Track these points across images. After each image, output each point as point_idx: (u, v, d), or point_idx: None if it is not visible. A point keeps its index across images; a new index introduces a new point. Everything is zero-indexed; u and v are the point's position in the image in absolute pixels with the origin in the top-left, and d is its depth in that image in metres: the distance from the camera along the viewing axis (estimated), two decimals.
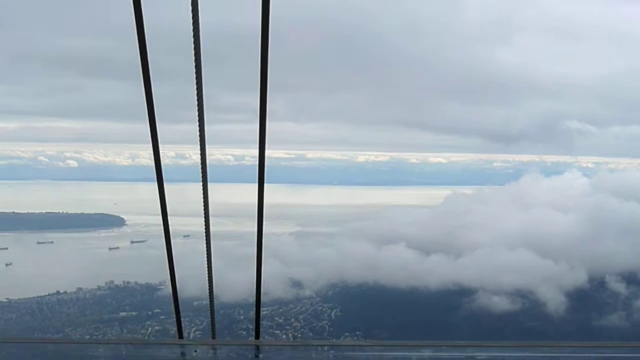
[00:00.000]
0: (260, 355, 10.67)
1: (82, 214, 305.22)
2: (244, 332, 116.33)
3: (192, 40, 5.04)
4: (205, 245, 6.78)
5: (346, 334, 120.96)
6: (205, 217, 6.37)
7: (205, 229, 6.53)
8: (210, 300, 8.34)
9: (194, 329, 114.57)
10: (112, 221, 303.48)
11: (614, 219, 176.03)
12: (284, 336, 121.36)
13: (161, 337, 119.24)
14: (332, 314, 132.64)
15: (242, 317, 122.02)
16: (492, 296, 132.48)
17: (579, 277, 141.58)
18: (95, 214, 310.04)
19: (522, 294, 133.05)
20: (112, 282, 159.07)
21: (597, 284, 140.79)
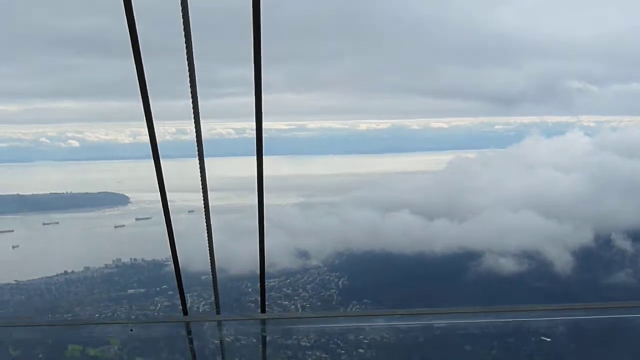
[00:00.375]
0: (267, 329, 10.70)
1: (87, 193, 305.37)
2: (252, 304, 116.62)
3: (181, 13, 5.03)
4: (204, 222, 6.80)
5: (354, 302, 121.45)
6: (203, 191, 6.39)
7: (205, 203, 6.55)
8: (212, 276, 8.37)
9: (202, 303, 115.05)
10: (116, 199, 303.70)
11: (617, 177, 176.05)
12: (293, 307, 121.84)
13: (170, 312, 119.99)
14: (340, 282, 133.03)
15: (250, 290, 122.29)
16: (498, 258, 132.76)
17: (584, 236, 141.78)
18: (99, 193, 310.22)
19: (528, 255, 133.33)
20: (119, 260, 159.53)
21: (603, 242, 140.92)
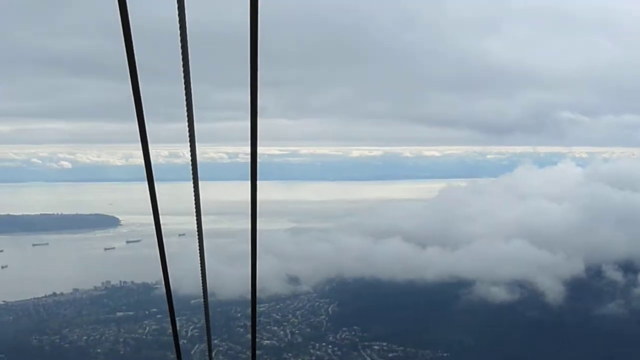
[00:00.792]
0: None
1: (77, 214, 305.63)
2: (241, 329, 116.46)
3: (179, 37, 4.99)
4: (197, 249, 6.70)
5: (344, 329, 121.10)
6: (197, 219, 6.31)
7: (198, 232, 6.46)
8: (207, 324, 8.20)
9: (191, 328, 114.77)
10: (107, 221, 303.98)
11: (609, 208, 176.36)
12: (282, 333, 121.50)
13: (158, 336, 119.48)
14: (330, 309, 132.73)
15: (239, 315, 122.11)
16: (490, 287, 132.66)
17: (575, 267, 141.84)
18: (90, 214, 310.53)
19: (520, 284, 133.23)
20: (108, 282, 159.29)
21: (594, 273, 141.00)
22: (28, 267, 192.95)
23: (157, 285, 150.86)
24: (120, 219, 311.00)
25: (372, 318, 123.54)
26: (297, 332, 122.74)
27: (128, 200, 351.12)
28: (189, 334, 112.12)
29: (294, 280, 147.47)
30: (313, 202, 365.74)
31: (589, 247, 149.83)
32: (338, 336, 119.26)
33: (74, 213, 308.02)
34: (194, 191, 6.03)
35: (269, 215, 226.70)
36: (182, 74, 5.10)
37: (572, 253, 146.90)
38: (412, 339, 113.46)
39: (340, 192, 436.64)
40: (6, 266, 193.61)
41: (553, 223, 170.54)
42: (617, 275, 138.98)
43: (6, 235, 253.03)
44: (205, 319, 7.58)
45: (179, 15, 4.87)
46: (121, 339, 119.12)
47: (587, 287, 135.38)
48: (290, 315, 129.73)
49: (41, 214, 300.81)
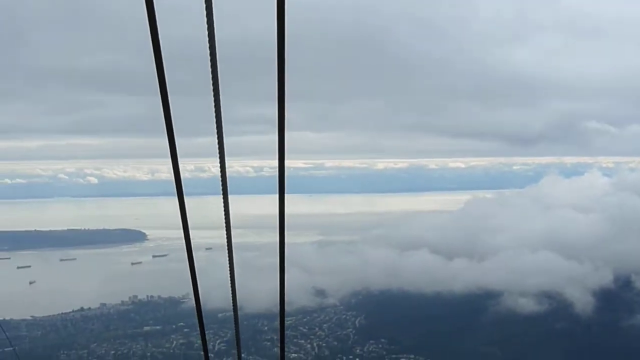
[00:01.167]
0: None
1: (104, 229, 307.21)
2: (268, 343, 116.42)
3: (208, 52, 5.01)
4: (227, 263, 6.70)
5: (371, 341, 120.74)
6: (227, 235, 6.31)
7: (228, 248, 6.46)
8: (237, 338, 8.18)
9: (218, 342, 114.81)
10: (133, 236, 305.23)
11: (636, 218, 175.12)
12: (309, 346, 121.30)
13: (186, 350, 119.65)
14: (357, 321, 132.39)
15: (265, 328, 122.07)
16: (518, 298, 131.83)
17: (604, 277, 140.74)
18: (116, 229, 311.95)
19: (548, 295, 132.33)
20: (135, 296, 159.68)
21: (623, 283, 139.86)
22: (56, 282, 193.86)
23: (184, 300, 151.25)
24: (146, 233, 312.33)
25: (400, 330, 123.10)
26: (324, 345, 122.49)
27: (154, 215, 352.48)
28: (216, 348, 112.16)
29: (320, 293, 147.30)
30: (339, 215, 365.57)
31: (617, 257, 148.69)
32: (365, 349, 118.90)
33: (101, 228, 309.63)
34: (224, 205, 6.05)
35: (295, 228, 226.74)
36: (212, 88, 5.12)
37: (600, 263, 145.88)
38: (439, 351, 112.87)
39: (366, 204, 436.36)
40: (34, 281, 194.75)
41: (580, 233, 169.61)
42: None
43: (34, 250, 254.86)
44: (235, 332, 7.58)
45: (207, 29, 4.90)
46: (149, 354, 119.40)
47: (616, 297, 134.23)
48: (317, 329, 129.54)
49: (68, 229, 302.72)
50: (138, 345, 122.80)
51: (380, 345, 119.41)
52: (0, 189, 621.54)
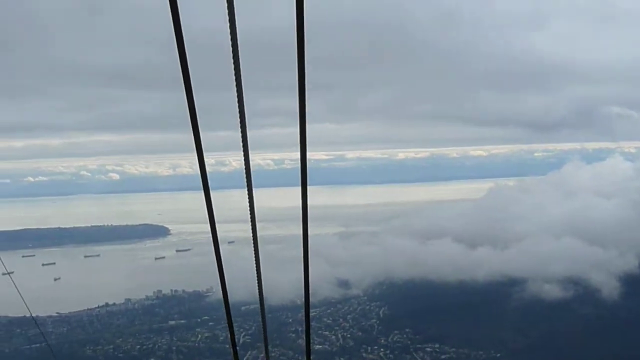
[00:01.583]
0: None
1: (127, 225, 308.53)
2: (293, 335, 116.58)
3: (230, 46, 5.00)
4: (254, 259, 6.68)
5: (395, 331, 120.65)
6: (252, 227, 6.30)
7: (254, 240, 6.44)
8: (264, 332, 8.14)
9: (242, 334, 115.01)
10: (156, 231, 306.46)
11: None
12: (334, 337, 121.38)
13: (211, 344, 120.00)
14: (381, 312, 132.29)
15: (290, 320, 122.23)
16: (543, 285, 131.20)
17: (628, 262, 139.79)
18: (139, 225, 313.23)
19: (573, 281, 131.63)
20: (159, 291, 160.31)
21: None
22: (80, 278, 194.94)
23: (208, 293, 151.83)
24: (169, 228, 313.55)
25: (424, 320, 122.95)
26: (348, 336, 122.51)
27: (176, 210, 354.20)
28: (241, 341, 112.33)
29: (344, 284, 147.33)
30: (361, 206, 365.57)
31: None
32: (390, 339, 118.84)
33: (124, 224, 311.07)
34: (249, 198, 6.05)
35: (317, 219, 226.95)
36: (234, 82, 5.11)
37: (625, 249, 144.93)
38: (464, 340, 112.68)
39: (388, 194, 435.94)
40: (59, 278, 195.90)
41: (604, 219, 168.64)
42: None
43: (58, 247, 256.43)
44: (263, 325, 7.57)
45: (229, 23, 4.88)
46: (174, 348, 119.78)
47: None
48: (341, 320, 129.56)
49: (92, 226, 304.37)
50: (163, 340, 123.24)
51: (404, 335, 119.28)
52: (23, 186, 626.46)
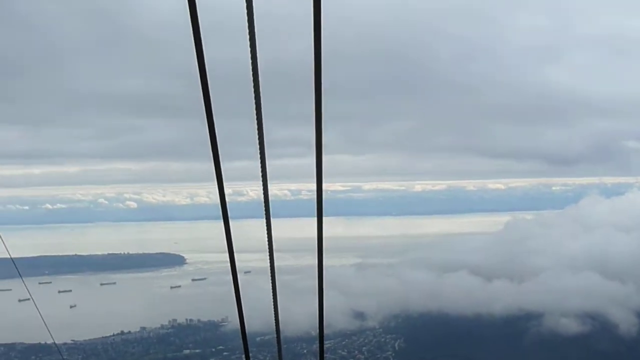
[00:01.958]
0: None
1: (144, 254, 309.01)
2: None
3: (251, 77, 5.04)
4: (271, 290, 6.68)
5: None
6: (270, 258, 6.32)
7: (271, 270, 6.46)
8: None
9: None
10: (173, 260, 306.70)
11: None
12: None
13: None
14: (396, 344, 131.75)
15: (305, 351, 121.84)
16: (560, 319, 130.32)
17: None
18: (156, 253, 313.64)
19: (590, 316, 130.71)
20: (175, 320, 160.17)
21: None
22: (96, 306, 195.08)
23: (223, 323, 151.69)
24: (185, 257, 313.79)
25: (440, 353, 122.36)
26: None
27: (193, 239, 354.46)
28: None
29: (359, 315, 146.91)
30: (377, 238, 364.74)
31: None
32: None
33: (140, 252, 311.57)
34: (267, 228, 6.07)
35: (333, 251, 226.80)
36: (255, 113, 5.14)
37: None
38: None
39: (405, 226, 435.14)
40: (75, 305, 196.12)
41: (622, 253, 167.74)
42: None
43: (74, 275, 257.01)
44: (279, 356, 7.57)
45: (250, 54, 4.93)
46: None
47: None
48: (356, 352, 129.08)
49: (108, 254, 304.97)
50: None
51: None
52: (41, 214, 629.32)
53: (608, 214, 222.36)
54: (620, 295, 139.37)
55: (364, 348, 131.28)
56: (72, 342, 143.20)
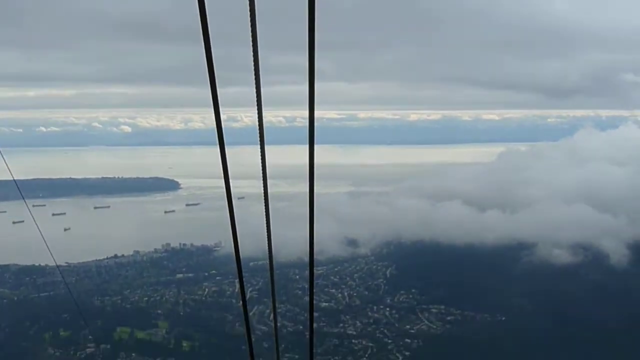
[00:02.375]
0: None
1: (137, 178, 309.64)
2: (299, 292, 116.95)
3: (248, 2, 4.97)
4: (265, 220, 6.66)
5: (402, 292, 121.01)
6: (264, 183, 6.30)
7: (265, 197, 6.44)
8: (272, 289, 8.12)
9: (250, 289, 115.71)
10: (167, 185, 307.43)
11: None
12: (340, 295, 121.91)
13: (217, 298, 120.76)
14: (388, 272, 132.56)
15: (297, 277, 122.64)
16: (552, 249, 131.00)
17: (639, 230, 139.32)
18: (150, 178, 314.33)
19: (583, 247, 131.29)
20: (168, 244, 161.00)
21: None
22: (90, 229, 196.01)
23: (216, 248, 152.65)
24: (179, 182, 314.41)
25: (430, 281, 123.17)
26: (355, 294, 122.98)
27: (187, 164, 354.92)
28: (248, 296, 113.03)
29: (352, 243, 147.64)
30: (371, 166, 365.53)
31: None
32: (396, 299, 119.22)
33: (135, 177, 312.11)
34: (261, 155, 6.05)
35: (327, 178, 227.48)
36: (250, 39, 5.08)
37: (636, 216, 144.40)
38: (470, 303, 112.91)
39: (399, 155, 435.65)
40: (69, 228, 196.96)
41: (615, 186, 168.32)
42: None
43: (69, 198, 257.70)
44: (271, 280, 7.59)
45: None
46: (181, 301, 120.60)
47: None
48: (348, 278, 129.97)
49: (102, 178, 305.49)
50: (171, 292, 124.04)
51: (410, 296, 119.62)
52: (35, 136, 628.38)
53: (602, 147, 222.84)
54: (612, 227, 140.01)
55: (356, 275, 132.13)
56: (66, 264, 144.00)
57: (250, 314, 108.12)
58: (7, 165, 14.83)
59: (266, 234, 6.82)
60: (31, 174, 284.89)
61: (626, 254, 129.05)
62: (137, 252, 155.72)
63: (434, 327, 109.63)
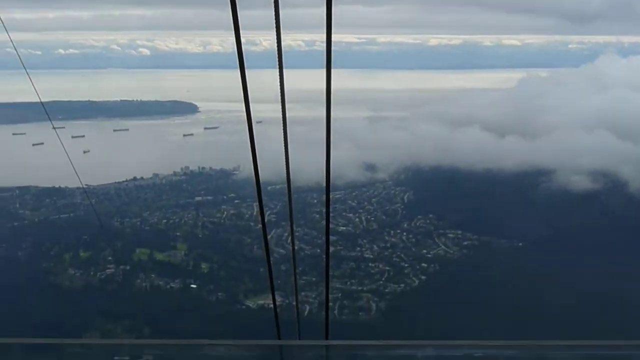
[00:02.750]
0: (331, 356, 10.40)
1: (156, 101, 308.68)
2: (317, 215, 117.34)
3: None
4: (283, 141, 6.64)
5: (419, 217, 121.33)
6: (282, 107, 6.27)
7: (283, 121, 6.42)
8: (290, 213, 8.09)
9: (268, 213, 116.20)
10: (185, 108, 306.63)
11: None
12: (357, 219, 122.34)
13: (236, 221, 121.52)
14: (405, 197, 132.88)
15: (315, 201, 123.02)
16: (571, 176, 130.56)
17: None
18: (168, 101, 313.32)
19: (602, 174, 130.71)
20: (187, 167, 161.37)
21: None
22: (109, 152, 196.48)
23: (234, 172, 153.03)
24: (198, 105, 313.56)
25: (448, 206, 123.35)
26: (372, 219, 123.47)
27: (206, 88, 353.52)
28: (265, 219, 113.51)
29: (370, 167, 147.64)
30: (390, 91, 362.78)
31: None
32: (413, 224, 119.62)
33: (153, 100, 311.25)
34: (279, 79, 6.02)
35: (346, 103, 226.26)
36: None
37: None
38: (487, 228, 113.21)
39: (418, 80, 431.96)
40: (88, 151, 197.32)
41: (636, 114, 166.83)
42: None
43: (88, 120, 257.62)
44: (289, 204, 7.62)
45: None
46: (200, 223, 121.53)
47: None
48: (365, 203, 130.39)
49: (121, 100, 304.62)
50: (189, 215, 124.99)
51: (428, 221, 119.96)
52: (54, 59, 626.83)
53: (624, 73, 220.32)
54: (632, 155, 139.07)
55: (374, 200, 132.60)
56: (86, 186, 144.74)
57: (269, 237, 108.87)
58: (34, 86, 14.82)
59: (284, 158, 6.81)
60: (50, 96, 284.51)
61: None
62: (156, 174, 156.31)
63: (451, 251, 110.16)
